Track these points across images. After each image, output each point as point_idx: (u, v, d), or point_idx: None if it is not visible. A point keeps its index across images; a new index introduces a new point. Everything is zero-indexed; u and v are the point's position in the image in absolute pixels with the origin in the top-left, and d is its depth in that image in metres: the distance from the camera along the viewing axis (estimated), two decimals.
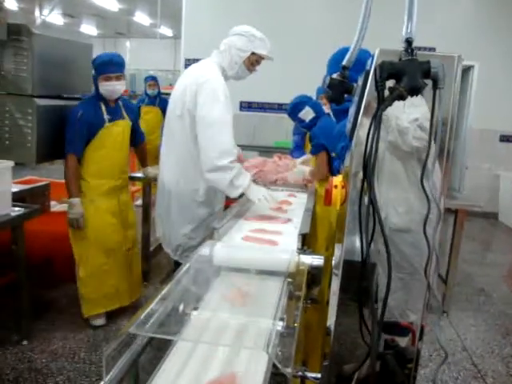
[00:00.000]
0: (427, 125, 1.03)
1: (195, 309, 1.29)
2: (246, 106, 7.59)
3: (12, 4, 10.87)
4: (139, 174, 3.83)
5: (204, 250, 1.62)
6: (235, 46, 2.41)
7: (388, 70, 0.95)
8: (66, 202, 2.92)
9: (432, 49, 6.80)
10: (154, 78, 6.67)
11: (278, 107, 7.36)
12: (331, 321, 1.24)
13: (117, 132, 2.96)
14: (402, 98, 0.94)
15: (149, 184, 3.98)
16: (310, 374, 1.31)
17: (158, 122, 6.17)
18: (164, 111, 2.82)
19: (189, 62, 6.98)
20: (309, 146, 3.65)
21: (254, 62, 2.48)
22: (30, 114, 2.57)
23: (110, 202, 3.01)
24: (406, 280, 1.98)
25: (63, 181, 2.92)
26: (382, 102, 0.96)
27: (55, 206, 3.59)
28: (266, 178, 3.18)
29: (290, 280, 1.50)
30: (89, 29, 17.73)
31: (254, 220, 2.12)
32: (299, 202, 2.58)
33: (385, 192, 2.07)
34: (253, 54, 2.43)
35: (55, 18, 14.64)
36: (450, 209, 3.68)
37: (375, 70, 0.98)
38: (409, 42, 0.96)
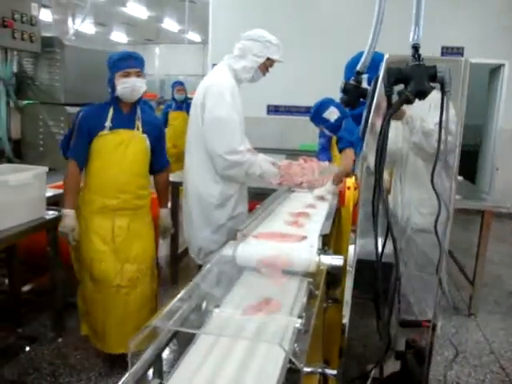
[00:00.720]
0: (453, 127, 1.07)
1: (217, 306, 1.36)
2: (273, 109, 7.65)
3: (47, 15, 11.19)
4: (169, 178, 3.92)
5: (227, 251, 1.68)
6: (251, 52, 2.48)
7: (395, 76, 0.99)
8: (62, 211, 2.54)
9: (461, 48, 6.75)
10: (181, 83, 6.81)
11: (305, 110, 7.40)
12: (346, 318, 1.27)
13: (115, 142, 2.50)
14: (409, 101, 0.98)
15: (177, 188, 4.08)
16: (327, 371, 1.35)
17: (186, 127, 6.28)
18: None
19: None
20: (335, 149, 3.68)
21: (268, 66, 2.57)
22: (62, 121, 2.70)
23: (102, 224, 2.54)
24: (426, 279, 2.01)
25: None
26: (391, 107, 1.00)
27: None
28: (292, 181, 3.23)
29: (310, 280, 1.54)
30: (119, 36, 18.14)
31: (265, 238, 2.04)
32: (318, 214, 2.31)
33: (408, 192, 2.10)
34: (268, 58, 2.52)
35: (87, 27, 15.01)
36: (478, 210, 3.66)
37: (384, 75, 1.02)
38: (415, 47, 1.01)
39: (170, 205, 4.30)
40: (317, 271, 1.58)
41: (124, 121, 2.53)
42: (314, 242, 1.96)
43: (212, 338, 1.24)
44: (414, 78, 0.97)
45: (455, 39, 6.70)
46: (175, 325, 1.17)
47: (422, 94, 0.97)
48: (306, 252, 1.64)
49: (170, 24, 15.37)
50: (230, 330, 1.27)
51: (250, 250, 1.70)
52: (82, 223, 2.55)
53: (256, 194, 3.03)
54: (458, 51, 6.74)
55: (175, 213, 4.13)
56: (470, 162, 7.40)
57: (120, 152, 2.52)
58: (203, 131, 2.46)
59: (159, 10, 13.64)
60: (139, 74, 2.49)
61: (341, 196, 1.59)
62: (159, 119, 2.65)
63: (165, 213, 2.83)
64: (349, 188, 1.50)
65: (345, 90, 1.31)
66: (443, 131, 1.29)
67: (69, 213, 2.48)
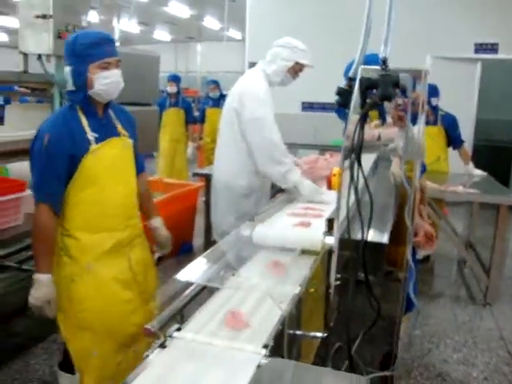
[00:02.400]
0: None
1: (233, 274, 1.64)
2: (307, 106, 7.86)
3: (94, 17, 11.79)
4: (203, 171, 4.26)
5: (245, 230, 1.97)
6: (280, 57, 2.71)
7: (366, 84, 1.24)
8: (35, 277, 1.86)
9: (495, 44, 6.76)
10: (215, 82, 7.15)
11: None
12: (331, 278, 1.52)
13: (112, 156, 1.97)
14: (377, 104, 1.22)
15: (209, 180, 4.38)
16: (317, 333, 1.62)
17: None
18: None
19: (252, 66, 7.37)
20: None
21: (297, 70, 2.77)
22: None
23: (118, 265, 2.00)
24: None
25: None
26: (365, 107, 1.26)
27: None
28: (318, 174, 3.48)
29: (316, 257, 1.81)
30: (162, 34, 18.68)
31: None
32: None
33: None
34: (296, 63, 2.72)
35: (132, 26, 15.59)
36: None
37: (358, 83, 1.27)
38: (384, 61, 1.25)
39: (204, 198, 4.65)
40: (322, 250, 1.84)
41: (105, 127, 1.98)
42: (321, 225, 2.26)
43: (225, 297, 1.52)
44: (381, 85, 1.22)
45: (490, 35, 6.72)
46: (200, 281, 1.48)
47: (387, 98, 1.21)
48: (313, 233, 1.91)
49: (210, 22, 15.76)
50: (242, 291, 1.56)
51: (265, 230, 1.98)
52: (86, 278, 1.93)
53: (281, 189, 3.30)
54: (493, 47, 6.76)
55: (208, 204, 4.43)
56: (504, 159, 7.41)
57: (119, 167, 2.02)
58: (242, 131, 2.66)
59: (200, 9, 14.03)
60: (118, 64, 1.94)
61: (328, 182, 1.85)
62: (129, 113, 2.22)
63: (160, 222, 2.34)
64: (334, 175, 1.74)
65: (338, 93, 1.56)
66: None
67: (44, 279, 1.84)
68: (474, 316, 3.57)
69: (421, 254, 4.50)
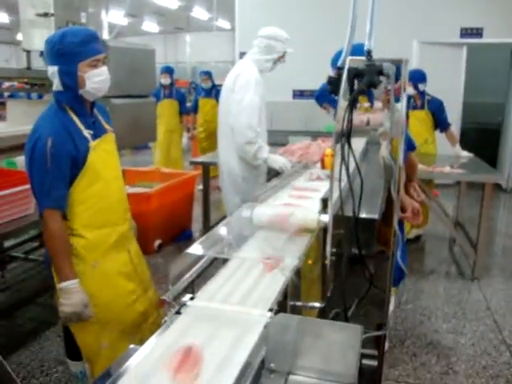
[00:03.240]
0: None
1: (236, 251, 1.79)
2: (299, 93, 7.99)
3: None
4: (199, 159, 4.41)
5: (245, 212, 2.12)
6: (273, 49, 3.04)
7: (353, 73, 1.39)
8: (63, 285, 1.86)
9: (480, 29, 6.90)
10: (207, 73, 7.26)
11: None
12: (327, 253, 1.67)
13: (110, 151, 2.04)
14: (364, 91, 1.37)
15: (207, 167, 4.53)
16: (314, 304, 1.79)
17: (214, 112, 6.76)
18: None
19: (243, 55, 7.47)
20: None
21: (283, 57, 3.13)
22: (108, 112, 3.15)
23: (120, 259, 2.07)
24: None
25: (132, 168, 3.35)
26: (351, 94, 1.41)
27: (128, 190, 4.22)
28: (311, 159, 3.64)
29: (312, 234, 1.96)
30: (151, 26, 18.63)
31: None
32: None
33: None
34: (285, 52, 3.09)
35: (120, 18, 15.54)
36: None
37: (346, 72, 1.42)
38: (369, 52, 1.39)
39: (201, 186, 4.80)
40: (317, 228, 1.99)
41: (93, 124, 1.98)
42: (316, 204, 2.42)
43: (232, 269, 1.68)
44: (366, 74, 1.37)
45: (475, 20, 6.86)
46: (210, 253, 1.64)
47: (372, 85, 1.36)
48: (309, 212, 2.06)
49: (199, 12, 15.75)
50: (246, 264, 1.72)
51: (264, 210, 2.13)
52: (94, 275, 1.97)
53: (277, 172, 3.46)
54: (478, 32, 6.91)
55: (207, 191, 4.60)
56: (491, 141, 7.59)
57: (113, 162, 2.08)
58: (229, 111, 3.00)
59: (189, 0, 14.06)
60: (105, 61, 1.94)
61: (322, 162, 2.02)
62: (102, 104, 2.18)
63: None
64: (327, 156, 1.90)
65: (329, 82, 1.70)
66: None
67: (74, 285, 1.86)
68: (462, 290, 3.76)
69: (412, 234, 4.70)
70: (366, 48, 1.42)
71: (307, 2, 7.18)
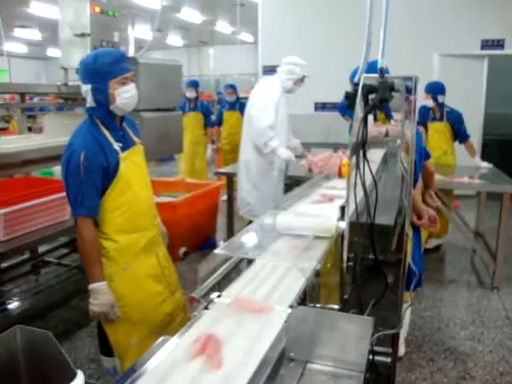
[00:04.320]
0: None
1: (258, 256, 1.92)
2: (320, 106, 8.12)
3: None
4: (224, 170, 4.59)
5: (268, 219, 2.25)
6: (294, 72, 3.69)
7: (367, 89, 1.51)
8: (93, 287, 2.04)
9: (501, 40, 6.94)
10: (232, 87, 7.43)
11: None
12: (344, 258, 1.79)
13: (138, 162, 2.21)
14: (376, 106, 1.50)
15: (231, 178, 4.69)
16: (332, 306, 1.90)
17: (240, 125, 6.92)
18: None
19: (266, 69, 7.65)
20: None
21: (300, 81, 3.76)
22: (138, 124, 3.32)
23: (149, 262, 2.23)
24: None
25: (158, 179, 3.56)
26: (366, 109, 1.53)
27: (155, 199, 4.39)
28: (332, 170, 3.77)
29: (331, 240, 2.08)
30: (175, 40, 19.04)
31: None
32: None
33: None
34: (303, 76, 3.72)
35: (146, 33, 15.98)
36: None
37: (361, 88, 1.55)
38: (381, 70, 1.52)
39: (226, 196, 4.95)
40: (336, 234, 2.11)
41: (122, 137, 2.15)
42: (336, 209, 2.54)
43: (256, 270, 1.81)
44: (379, 90, 1.49)
45: (496, 32, 6.90)
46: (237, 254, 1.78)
47: (385, 101, 1.48)
48: (329, 220, 2.18)
49: (222, 26, 16.08)
50: (269, 266, 1.85)
51: (286, 219, 2.26)
52: (125, 278, 2.13)
53: (299, 181, 3.60)
54: (499, 43, 6.95)
55: (231, 201, 4.76)
56: None
57: (142, 172, 2.24)
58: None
59: (212, 14, 14.35)
60: (133, 79, 2.12)
61: (339, 171, 2.14)
62: (131, 118, 2.34)
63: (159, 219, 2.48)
64: (344, 165, 2.02)
65: (346, 97, 1.83)
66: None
67: (102, 287, 2.03)
68: (481, 299, 3.80)
69: (432, 244, 4.76)
70: (379, 65, 1.54)
71: (329, 17, 7.34)
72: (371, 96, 1.53)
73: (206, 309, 1.52)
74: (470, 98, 6.60)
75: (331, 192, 2.49)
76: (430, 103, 4.83)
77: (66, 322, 3.45)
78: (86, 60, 2.04)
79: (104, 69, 1.99)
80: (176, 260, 4.41)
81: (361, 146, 1.58)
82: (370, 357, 1.58)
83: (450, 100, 5.00)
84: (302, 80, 3.76)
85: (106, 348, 2.27)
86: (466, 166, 4.82)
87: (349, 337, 1.26)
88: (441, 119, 4.86)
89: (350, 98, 1.83)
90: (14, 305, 3.49)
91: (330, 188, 2.74)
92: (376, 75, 1.55)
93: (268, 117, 3.55)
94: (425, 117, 4.92)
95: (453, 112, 4.85)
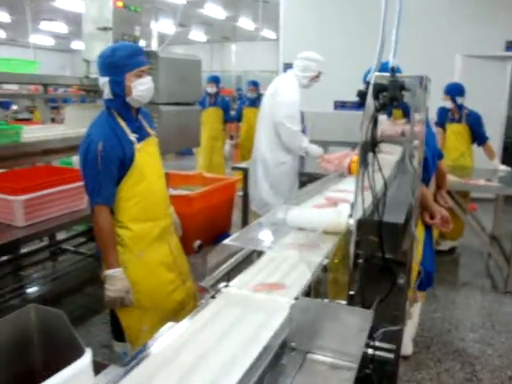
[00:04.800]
0: None
1: (269, 248, 1.96)
2: (340, 104, 8.10)
3: None
4: (241, 165, 4.63)
5: (279, 213, 2.29)
6: (309, 68, 3.64)
7: (378, 88, 1.54)
8: (108, 273, 2.10)
9: None
10: (254, 83, 7.47)
11: None
12: (351, 254, 1.82)
13: (153, 153, 2.27)
14: (386, 105, 1.52)
15: (248, 174, 4.72)
16: (339, 301, 1.93)
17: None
18: None
19: (286, 66, 7.66)
20: None
21: (317, 77, 3.71)
22: (157, 117, 3.39)
23: (162, 251, 2.29)
24: None
25: (176, 172, 3.61)
26: (376, 107, 1.56)
27: (171, 192, 4.46)
28: (354, 173, 3.80)
29: (341, 236, 2.11)
30: (198, 35, 19.14)
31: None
32: None
33: None
34: (319, 72, 3.67)
35: (169, 28, 16.10)
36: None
37: (372, 87, 1.57)
38: (392, 69, 1.54)
39: (242, 192, 4.99)
40: (346, 231, 2.14)
41: (138, 128, 2.21)
42: (345, 209, 2.57)
43: (265, 262, 1.85)
44: (389, 89, 1.51)
45: None
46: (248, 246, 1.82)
47: (395, 99, 1.51)
48: (339, 216, 2.21)
49: (245, 22, 16.11)
50: (278, 259, 1.89)
51: (297, 214, 2.29)
52: (138, 265, 2.19)
53: (315, 178, 3.63)
54: None
55: (247, 196, 4.80)
56: None
57: (156, 163, 2.30)
58: (276, 122, 3.59)
59: (235, 10, 14.40)
60: (149, 72, 2.18)
61: (348, 168, 2.17)
62: (146, 110, 2.37)
63: (173, 210, 2.54)
64: (354, 162, 2.04)
65: (359, 95, 1.85)
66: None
67: (118, 273, 2.09)
68: (494, 302, 3.78)
69: (446, 246, 4.73)
70: (390, 65, 1.56)
71: (350, 15, 7.31)
72: (381, 95, 1.55)
73: (213, 298, 1.57)
74: (492, 100, 6.52)
75: (337, 195, 2.50)
76: (448, 104, 4.80)
77: (81, 307, 3.54)
78: (103, 53, 2.10)
79: (121, 62, 2.05)
80: (190, 253, 4.47)
81: (370, 144, 1.60)
82: (371, 351, 1.61)
83: (472, 101, 4.95)
84: (317, 76, 3.70)
85: (119, 333, 2.33)
86: (484, 169, 4.78)
87: (348, 328, 1.29)
88: (459, 121, 4.83)
89: (362, 96, 1.86)
90: (32, 289, 3.60)
91: (338, 191, 2.75)
92: (387, 74, 1.57)
93: (297, 121, 3.59)
94: (443, 118, 4.90)
95: (472, 114, 4.81)
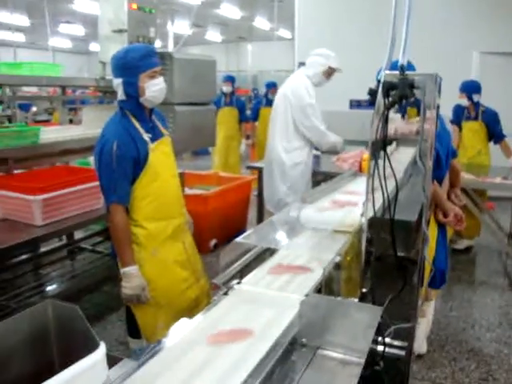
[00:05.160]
0: None
1: (281, 245, 1.98)
2: (356, 104, 8.08)
3: None
4: (256, 164, 4.66)
5: (292, 212, 2.31)
6: (317, 63, 3.59)
7: (388, 86, 1.55)
8: (124, 270, 2.14)
9: None
10: (274, 85, 7.52)
11: None
12: (362, 251, 1.83)
13: (166, 153, 2.31)
14: (395, 102, 1.53)
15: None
16: (352, 299, 1.94)
17: None
18: None
19: (302, 65, 7.66)
20: None
21: (330, 73, 3.63)
22: (171, 117, 3.43)
23: (176, 249, 2.33)
24: None
25: (192, 171, 3.63)
26: (385, 105, 1.57)
27: (187, 191, 4.51)
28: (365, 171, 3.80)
29: (354, 234, 2.12)
30: (213, 35, 19.23)
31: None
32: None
33: None
34: (329, 67, 3.57)
35: (185, 28, 16.21)
36: None
37: (382, 85, 1.58)
38: (402, 68, 1.55)
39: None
40: (358, 229, 2.15)
41: (152, 128, 2.25)
42: (359, 207, 2.57)
43: (278, 258, 1.87)
44: (399, 87, 1.52)
45: None
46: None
47: (404, 97, 1.51)
48: (351, 215, 2.22)
49: (261, 22, 16.14)
50: (291, 255, 1.91)
51: (310, 212, 2.30)
52: (152, 262, 2.23)
53: (331, 177, 3.64)
54: None
55: (261, 195, 4.83)
56: None
57: (170, 162, 2.34)
58: (293, 117, 3.59)
59: (251, 10, 14.43)
60: (162, 72, 2.23)
61: (359, 166, 2.17)
62: (159, 110, 2.40)
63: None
64: (364, 160, 2.05)
65: (370, 93, 1.86)
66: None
67: (133, 270, 2.14)
68: (511, 301, 3.74)
69: (463, 245, 4.70)
70: (399, 63, 1.57)
71: (366, 14, 7.27)
72: (392, 93, 1.56)
73: (226, 294, 1.59)
74: (509, 97, 6.42)
75: (345, 198, 2.50)
76: (465, 102, 4.76)
77: (98, 305, 3.60)
78: (117, 55, 2.14)
79: (134, 63, 2.08)
80: (206, 252, 4.51)
81: (380, 142, 1.61)
82: (382, 348, 1.62)
83: (489, 98, 4.90)
84: (330, 74, 3.62)
85: (134, 331, 2.38)
86: (501, 167, 4.72)
87: (358, 325, 1.30)
88: (476, 118, 4.79)
89: (373, 94, 1.87)
90: (50, 287, 3.67)
91: (347, 192, 2.74)
92: (396, 72, 1.58)
93: (319, 119, 3.59)
94: (459, 116, 4.85)
95: (488, 111, 4.76)
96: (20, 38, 17.24)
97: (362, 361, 1.22)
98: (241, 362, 1.18)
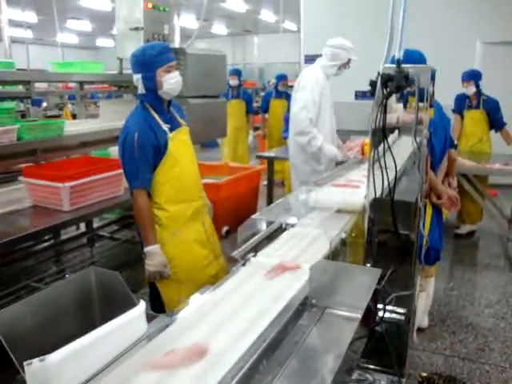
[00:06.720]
0: None
1: (293, 226, 2.18)
2: (361, 94, 8.21)
3: None
4: (266, 154, 4.86)
5: (302, 194, 2.51)
6: (338, 57, 3.55)
7: (385, 78, 1.73)
8: (147, 249, 2.35)
9: None
10: (285, 78, 7.67)
11: None
12: (365, 230, 2.02)
13: (185, 141, 2.51)
14: (392, 92, 1.72)
15: (272, 162, 4.96)
16: None
17: (283, 112, 7.13)
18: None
19: (308, 58, 7.80)
20: None
21: (347, 63, 3.62)
22: (186, 109, 3.61)
23: (196, 229, 2.53)
24: None
25: (204, 162, 3.75)
26: (384, 95, 1.76)
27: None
28: (366, 155, 3.97)
29: (355, 214, 2.31)
30: (219, 28, 19.35)
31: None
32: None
33: None
34: (349, 59, 3.58)
35: (191, 22, 16.35)
36: None
37: (380, 77, 1.77)
38: (398, 61, 1.73)
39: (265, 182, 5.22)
40: (361, 208, 2.34)
41: (170, 119, 2.43)
42: (362, 190, 2.76)
43: (290, 235, 2.06)
44: (395, 79, 1.71)
45: None
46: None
47: (400, 88, 1.70)
48: (357, 196, 2.41)
49: (266, 15, 16.25)
50: (299, 234, 2.10)
51: (318, 193, 2.49)
52: (174, 242, 2.43)
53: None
54: None
55: (271, 184, 5.06)
56: None
57: (188, 150, 2.53)
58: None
59: (256, 3, 14.55)
60: (177, 67, 2.41)
61: (362, 149, 2.36)
62: (177, 102, 2.61)
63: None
64: (366, 144, 2.23)
65: (371, 85, 2.05)
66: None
67: (156, 249, 2.34)
68: (510, 282, 3.93)
69: (465, 229, 4.87)
70: (396, 57, 1.76)
71: (371, 7, 7.38)
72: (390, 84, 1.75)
73: (243, 265, 1.80)
74: None
75: (351, 181, 2.68)
76: (469, 91, 4.91)
77: None
78: (135, 53, 2.35)
79: (151, 59, 2.28)
80: (219, 238, 4.70)
81: (379, 130, 1.80)
82: (381, 314, 1.82)
83: (492, 88, 5.04)
84: (347, 64, 3.59)
85: (157, 306, 2.59)
86: (501, 154, 4.88)
87: (360, 286, 1.50)
88: (477, 107, 4.95)
89: (373, 85, 2.06)
90: (71, 273, 3.89)
91: (353, 177, 2.86)
92: (393, 65, 1.76)
93: (307, 114, 3.46)
94: (461, 105, 5.01)
95: (489, 100, 4.92)
96: (28, 34, 17.50)
97: (359, 316, 1.41)
98: (258, 319, 1.36)
